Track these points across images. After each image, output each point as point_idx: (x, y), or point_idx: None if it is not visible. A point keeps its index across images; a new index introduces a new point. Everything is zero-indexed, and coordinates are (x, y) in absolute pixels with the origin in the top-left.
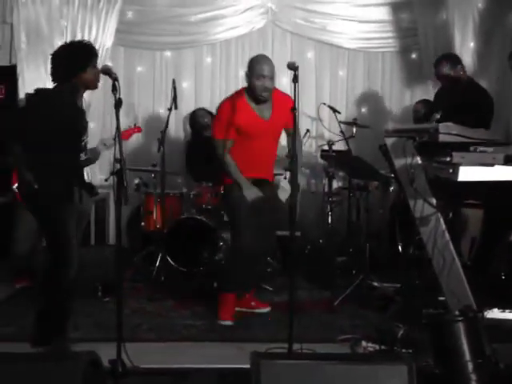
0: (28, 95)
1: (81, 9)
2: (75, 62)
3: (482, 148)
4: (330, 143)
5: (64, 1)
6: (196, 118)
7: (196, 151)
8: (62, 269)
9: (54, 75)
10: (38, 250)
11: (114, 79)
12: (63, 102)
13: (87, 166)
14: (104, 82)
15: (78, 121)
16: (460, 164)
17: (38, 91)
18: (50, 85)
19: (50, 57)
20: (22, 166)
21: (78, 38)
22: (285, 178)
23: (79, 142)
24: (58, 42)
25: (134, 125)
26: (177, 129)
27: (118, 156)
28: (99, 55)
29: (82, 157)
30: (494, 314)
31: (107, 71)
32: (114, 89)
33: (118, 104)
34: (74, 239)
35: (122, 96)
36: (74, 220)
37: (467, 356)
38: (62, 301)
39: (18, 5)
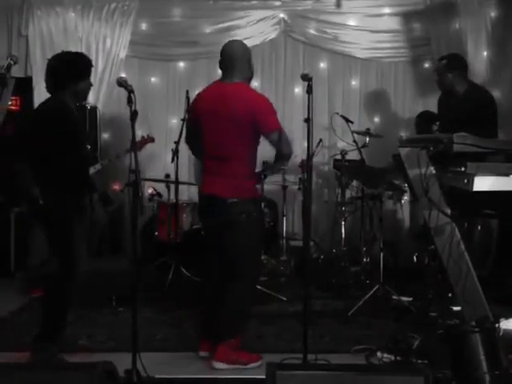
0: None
1: (95, 21)
2: (76, 71)
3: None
4: (343, 153)
5: (79, 13)
6: None
7: None
8: (63, 279)
9: (52, 83)
10: (53, 260)
11: (130, 91)
12: (66, 110)
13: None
14: (118, 93)
15: (79, 128)
16: (475, 174)
17: (40, 105)
18: None
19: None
20: (29, 182)
21: (93, 49)
22: (299, 189)
23: (83, 149)
24: None
25: (147, 135)
26: None
27: (133, 167)
28: (113, 66)
29: (93, 169)
30: (511, 324)
31: (123, 83)
32: (130, 101)
33: (134, 116)
34: (79, 253)
35: (136, 107)
36: (82, 232)
37: (484, 367)
38: (60, 311)
39: (33, 18)
